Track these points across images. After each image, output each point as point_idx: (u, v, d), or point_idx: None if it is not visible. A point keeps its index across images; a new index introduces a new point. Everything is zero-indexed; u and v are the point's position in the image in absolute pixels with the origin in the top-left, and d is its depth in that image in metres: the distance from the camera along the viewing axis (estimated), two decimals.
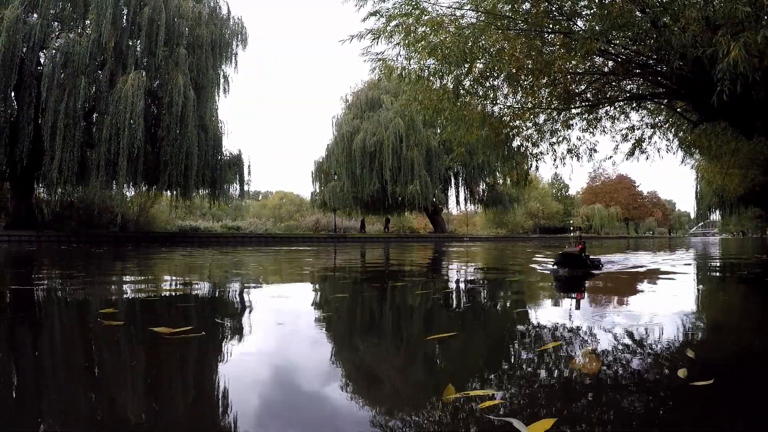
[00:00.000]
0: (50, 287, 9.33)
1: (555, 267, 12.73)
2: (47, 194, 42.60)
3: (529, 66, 14.60)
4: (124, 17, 37.53)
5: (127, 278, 11.49)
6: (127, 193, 39.89)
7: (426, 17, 14.83)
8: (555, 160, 20.14)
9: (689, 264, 17.59)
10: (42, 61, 37.86)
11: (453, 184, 63.86)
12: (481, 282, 11.17)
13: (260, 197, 76.91)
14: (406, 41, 15.04)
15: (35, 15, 36.73)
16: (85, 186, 38.99)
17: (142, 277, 11.55)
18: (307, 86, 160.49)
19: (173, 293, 8.77)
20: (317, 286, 10.29)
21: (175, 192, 40.70)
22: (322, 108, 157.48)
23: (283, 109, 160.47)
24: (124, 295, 8.46)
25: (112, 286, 9.80)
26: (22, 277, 11.70)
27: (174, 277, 12.12)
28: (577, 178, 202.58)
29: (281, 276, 12.78)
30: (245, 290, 9.00)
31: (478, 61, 14.99)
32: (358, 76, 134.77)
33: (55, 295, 8.34)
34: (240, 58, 42.71)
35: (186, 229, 50.23)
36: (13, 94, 36.25)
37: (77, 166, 35.29)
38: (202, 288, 9.47)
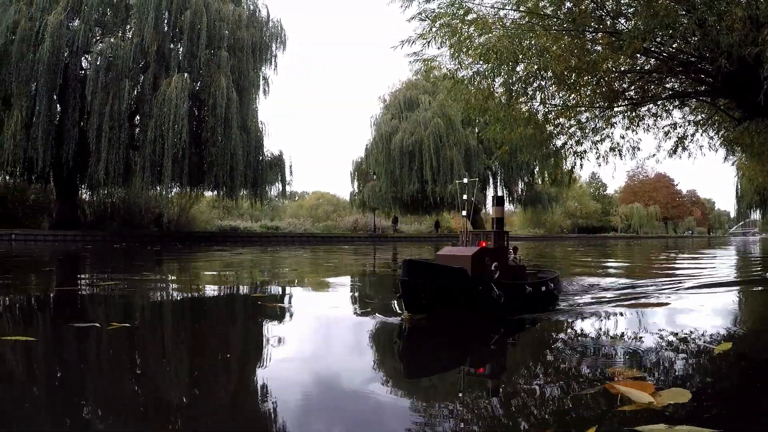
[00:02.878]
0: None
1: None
2: (90, 195, 43.79)
3: (574, 65, 14.56)
4: (165, 21, 38.27)
5: (230, 271, 15.46)
6: (169, 194, 40.51)
7: (470, 17, 14.83)
8: (598, 158, 19.95)
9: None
10: (85, 65, 38.86)
11: (492, 184, 63.40)
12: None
13: (297, 198, 77.24)
14: (453, 42, 15.12)
15: (77, 21, 37.60)
16: (129, 187, 39.97)
17: (246, 271, 15.44)
18: (344, 87, 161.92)
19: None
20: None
21: (220, 192, 41.27)
22: (359, 108, 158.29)
23: (320, 110, 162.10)
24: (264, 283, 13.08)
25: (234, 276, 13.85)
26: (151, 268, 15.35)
27: (277, 270, 16.15)
28: (612, 176, 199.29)
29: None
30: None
31: (528, 61, 14.97)
32: (395, 75, 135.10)
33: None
34: (279, 60, 43.09)
35: (226, 229, 50.79)
36: (56, 97, 37.08)
37: (122, 168, 36.09)
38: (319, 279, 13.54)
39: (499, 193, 63.40)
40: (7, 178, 40.22)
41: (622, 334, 6.76)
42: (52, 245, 32.41)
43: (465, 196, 10.45)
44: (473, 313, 8.55)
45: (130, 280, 13.90)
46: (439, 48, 15.76)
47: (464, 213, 10.59)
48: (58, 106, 37.45)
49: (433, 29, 15.10)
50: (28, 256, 23.83)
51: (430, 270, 8.47)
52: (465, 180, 10.54)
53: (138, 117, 38.47)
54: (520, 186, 64.11)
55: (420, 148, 52.33)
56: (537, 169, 57.24)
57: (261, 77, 42.65)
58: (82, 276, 15.84)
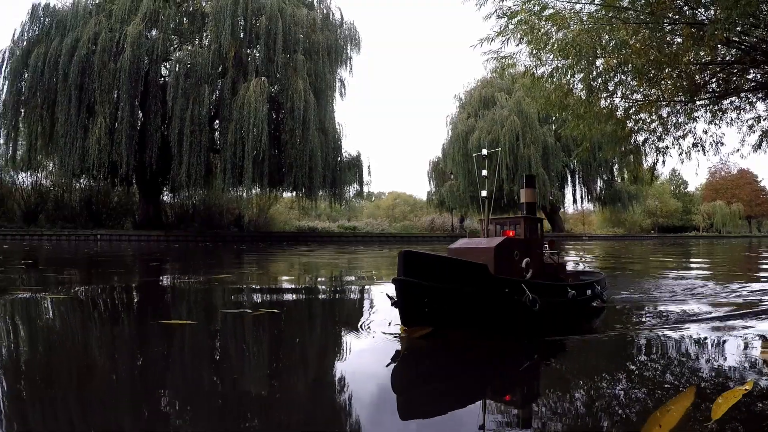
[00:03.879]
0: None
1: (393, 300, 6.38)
2: (172, 197, 45.54)
3: (654, 58, 13.92)
4: (241, 27, 38.83)
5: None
6: (246, 195, 41.07)
7: (547, 12, 14.48)
8: (680, 154, 19.00)
9: None
10: (164, 72, 40.01)
11: (570, 182, 61.89)
12: None
13: (373, 198, 77.51)
14: (530, 38, 14.82)
15: (155, 30, 38.72)
16: (209, 188, 41.17)
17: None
18: (419, 86, 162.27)
19: None
20: None
21: (299, 193, 41.70)
22: (434, 108, 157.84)
23: (395, 110, 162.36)
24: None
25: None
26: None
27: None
28: (694, 173, 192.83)
29: None
30: None
31: (607, 55, 14.47)
32: (470, 74, 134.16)
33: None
34: (354, 62, 43.24)
35: (304, 229, 51.27)
36: (138, 104, 38.13)
37: (203, 170, 36.88)
38: None
39: (578, 192, 61.75)
40: (92, 181, 41.69)
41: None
42: (138, 244, 33.45)
43: (484, 172, 8.40)
44: (496, 327, 6.61)
45: (245, 273, 15.54)
46: (517, 45, 15.54)
47: (484, 194, 8.46)
48: (140, 112, 38.58)
49: (510, 26, 14.91)
50: (127, 254, 24.94)
51: (436, 266, 6.36)
52: (484, 151, 8.48)
53: (218, 121, 39.22)
54: (599, 184, 62.34)
55: (496, 147, 51.16)
56: (616, 166, 56.02)
57: (337, 79, 43.00)
58: (199, 269, 17.12)
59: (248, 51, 39.62)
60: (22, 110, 40.16)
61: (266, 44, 37.97)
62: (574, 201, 63.46)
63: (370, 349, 5.96)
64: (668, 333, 6.77)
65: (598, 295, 8.85)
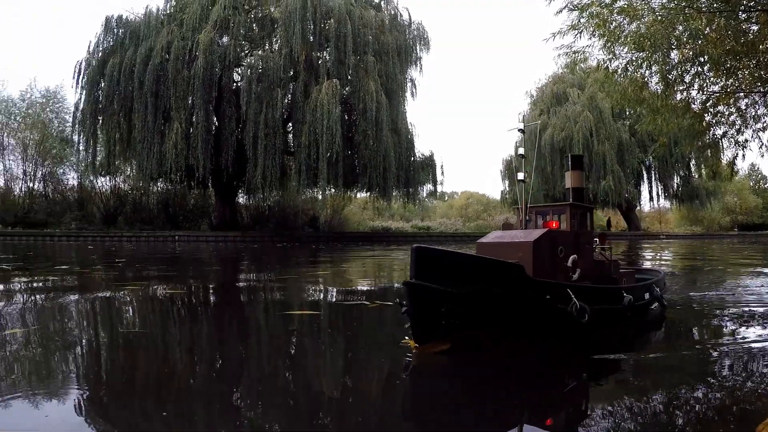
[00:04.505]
0: None
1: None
2: (247, 198, 46.53)
3: (730, 48, 13.33)
4: (311, 31, 39.05)
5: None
6: (321, 196, 41.29)
7: (618, 4, 14.11)
8: (761, 147, 18.16)
9: None
10: (236, 78, 40.82)
11: (645, 179, 59.91)
12: None
13: (446, 198, 77.11)
14: (603, 31, 14.52)
15: (226, 37, 39.41)
16: (284, 190, 41.89)
17: None
18: (489, 84, 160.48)
19: None
20: None
21: (373, 193, 41.80)
22: (505, 106, 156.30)
23: (466, 109, 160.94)
24: None
25: None
26: None
27: None
28: None
29: None
30: None
31: (682, 46, 13.95)
32: (541, 70, 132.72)
33: None
34: (423, 62, 43.05)
35: (378, 229, 51.26)
36: (213, 109, 38.80)
37: (278, 172, 37.35)
38: None
39: (654, 189, 59.76)
40: (169, 185, 42.74)
41: None
42: (216, 245, 34.12)
43: (521, 150, 7.57)
44: (532, 343, 5.62)
45: (339, 269, 16.41)
46: (590, 38, 15.26)
47: (520, 176, 7.51)
48: (214, 117, 39.34)
49: (582, 20, 14.71)
50: (212, 253, 26.00)
51: (457, 265, 5.23)
52: (521, 125, 7.43)
53: (291, 123, 39.65)
54: (675, 181, 60.17)
55: (570, 144, 50.08)
56: (693, 162, 54.49)
57: (407, 79, 42.94)
58: (291, 266, 17.96)
59: (318, 54, 39.96)
60: (100, 118, 41.45)
61: (336, 47, 38.15)
62: (651, 198, 61.33)
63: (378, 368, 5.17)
64: (752, 347, 5.56)
65: (658, 297, 7.67)
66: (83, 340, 6.42)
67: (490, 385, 4.66)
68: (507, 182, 59.88)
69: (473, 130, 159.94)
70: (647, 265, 17.63)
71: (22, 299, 9.32)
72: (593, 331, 5.86)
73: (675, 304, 8.67)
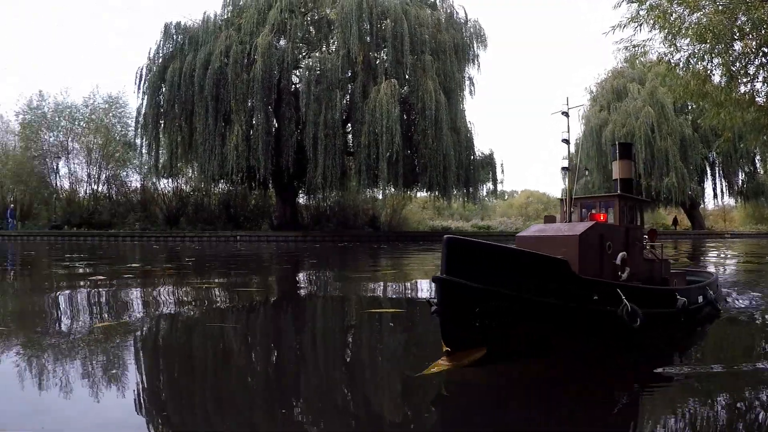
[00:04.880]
0: None
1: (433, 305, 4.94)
2: (307, 198, 47.22)
3: None
4: (367, 32, 39.31)
5: None
6: (381, 195, 41.45)
7: None
8: None
9: None
10: (295, 80, 41.44)
11: (709, 176, 58.28)
12: None
13: (506, 196, 76.53)
14: (664, 24, 14.26)
15: (283, 40, 39.93)
16: (344, 190, 42.42)
17: None
18: (547, 81, 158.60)
19: None
20: None
21: (433, 193, 41.86)
22: (564, 103, 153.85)
23: (524, 107, 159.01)
24: None
25: None
26: None
27: None
28: None
29: None
30: None
31: (746, 37, 13.52)
32: (600, 66, 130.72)
33: None
34: (481, 59, 42.85)
35: (438, 229, 51.09)
36: (272, 111, 39.36)
37: (339, 172, 37.77)
38: None
39: (718, 186, 58.07)
40: (230, 186, 43.50)
41: None
42: (277, 244, 34.58)
43: (565, 135, 6.84)
44: (578, 350, 5.15)
45: (408, 268, 16.54)
46: (649, 31, 15.10)
47: (565, 164, 6.91)
48: (274, 118, 39.83)
49: (641, 12, 14.58)
50: (276, 253, 26.44)
51: (494, 260, 4.70)
52: (564, 107, 6.77)
53: (350, 124, 39.92)
54: (740, 177, 58.40)
55: (631, 140, 48.93)
56: (758, 157, 52.87)
57: (465, 77, 42.88)
58: (359, 266, 18.33)
59: (376, 54, 40.20)
60: (162, 122, 42.47)
61: (393, 46, 38.26)
62: (714, 196, 59.31)
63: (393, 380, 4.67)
64: None
65: (711, 301, 7.04)
66: (180, 334, 6.72)
67: (523, 404, 4.04)
68: (567, 180, 58.94)
69: (532, 128, 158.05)
70: (711, 267, 17.02)
71: (107, 295, 9.64)
72: (646, 337, 5.33)
73: (733, 309, 8.05)
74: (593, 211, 6.71)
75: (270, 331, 7.09)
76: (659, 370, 4.68)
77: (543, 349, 4.95)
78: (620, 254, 5.86)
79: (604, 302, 5.09)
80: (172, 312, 8.15)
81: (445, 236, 4.64)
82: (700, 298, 6.80)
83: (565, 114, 6.77)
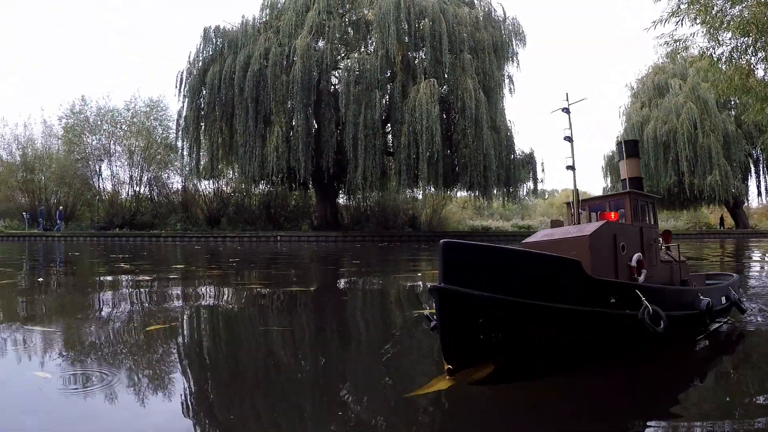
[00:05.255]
0: None
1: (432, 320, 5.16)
2: (347, 199, 47.56)
3: None
4: (405, 32, 39.37)
5: None
6: (421, 195, 41.46)
7: None
8: None
9: None
10: (334, 81, 41.69)
11: (753, 173, 56.99)
12: None
13: (546, 195, 75.94)
14: (704, 18, 14.08)
15: (321, 42, 40.24)
16: (384, 190, 42.53)
17: None
18: (586, 79, 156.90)
19: None
20: None
21: (474, 193, 41.75)
22: (605, 101, 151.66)
23: (563, 103, 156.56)
24: None
25: None
26: None
27: None
28: None
29: None
30: None
31: None
32: (641, 61, 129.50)
33: None
34: (520, 57, 42.73)
35: (478, 228, 51.00)
36: (312, 112, 39.52)
37: (379, 172, 37.91)
38: None
39: (762, 184, 56.79)
40: (270, 186, 43.96)
41: None
42: (318, 245, 34.86)
43: (568, 132, 6.36)
44: (597, 360, 4.70)
45: None
46: (691, 26, 14.82)
47: (569, 162, 6.39)
48: (314, 120, 40.06)
49: (682, 6, 14.38)
50: (319, 253, 26.72)
51: (499, 264, 4.31)
52: (565, 103, 6.39)
53: (389, 124, 39.98)
54: None
55: (674, 137, 48.29)
56: None
57: (505, 76, 42.77)
58: (407, 266, 17.69)
59: (414, 54, 40.32)
60: (203, 124, 43.13)
61: (432, 46, 38.26)
62: (759, 194, 57.90)
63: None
64: None
65: (736, 302, 6.61)
66: (227, 337, 6.66)
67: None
68: (609, 179, 58.09)
69: (573, 126, 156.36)
70: (756, 268, 16.71)
71: (154, 297, 9.75)
72: (672, 342, 4.88)
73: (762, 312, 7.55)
74: (605, 209, 6.23)
75: (315, 334, 6.89)
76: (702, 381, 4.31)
77: (557, 364, 4.44)
78: (635, 255, 5.49)
79: (622, 305, 4.66)
80: (219, 314, 8.18)
81: (442, 240, 4.23)
82: (723, 299, 6.43)
83: (566, 111, 6.39)
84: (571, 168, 6.34)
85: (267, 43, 39.43)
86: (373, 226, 44.78)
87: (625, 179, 6.79)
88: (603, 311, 4.55)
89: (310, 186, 44.10)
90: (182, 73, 42.68)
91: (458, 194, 46.64)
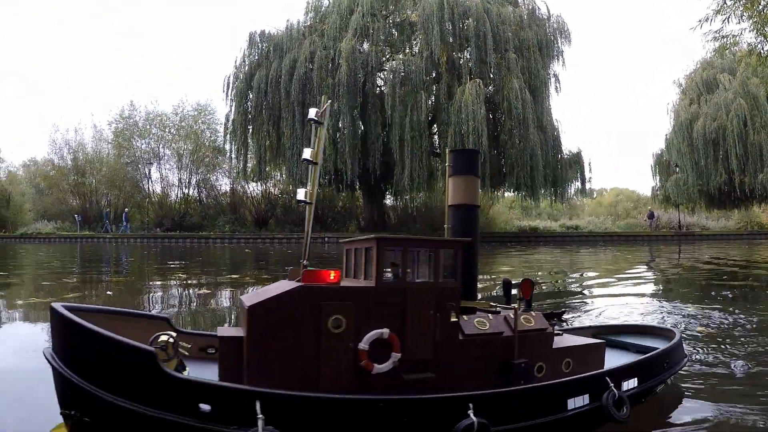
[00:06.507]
0: None
1: None
2: (393, 199, 47.85)
3: None
4: (450, 32, 39.51)
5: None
6: None
7: None
8: None
9: None
10: (379, 82, 41.86)
11: None
12: None
13: (594, 195, 75.12)
14: (750, 13, 13.92)
15: (366, 44, 40.73)
16: (430, 191, 42.49)
17: None
18: (634, 76, 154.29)
19: None
20: None
21: (521, 193, 41.81)
22: (653, 98, 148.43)
23: (611, 102, 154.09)
24: None
25: None
26: None
27: None
28: None
29: None
30: None
31: None
32: (689, 57, 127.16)
33: None
34: (566, 55, 42.42)
35: (525, 229, 50.68)
36: (358, 114, 39.93)
37: (426, 174, 38.11)
38: None
39: None
40: (317, 188, 44.26)
41: None
42: None
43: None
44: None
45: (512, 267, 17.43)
46: (738, 22, 14.57)
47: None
48: (360, 122, 40.37)
49: (728, 2, 14.26)
50: None
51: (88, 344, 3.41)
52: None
53: (435, 125, 40.12)
54: None
55: (724, 135, 47.29)
56: None
57: (551, 74, 42.56)
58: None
59: (459, 54, 40.48)
60: (250, 127, 43.94)
61: (476, 46, 38.32)
62: None
63: None
64: None
65: (606, 407, 4.05)
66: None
67: None
68: (658, 177, 56.95)
69: (621, 124, 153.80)
70: None
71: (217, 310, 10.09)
72: None
73: None
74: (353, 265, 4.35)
75: None
76: None
77: None
78: (373, 333, 3.71)
79: (226, 419, 3.23)
80: None
81: (51, 304, 3.49)
82: (581, 400, 4.07)
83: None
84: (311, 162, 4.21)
85: (312, 46, 39.94)
86: (419, 227, 44.88)
87: (451, 206, 4.87)
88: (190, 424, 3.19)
89: (357, 187, 44.44)
90: (229, 77, 43.59)
91: (505, 194, 46.68)
